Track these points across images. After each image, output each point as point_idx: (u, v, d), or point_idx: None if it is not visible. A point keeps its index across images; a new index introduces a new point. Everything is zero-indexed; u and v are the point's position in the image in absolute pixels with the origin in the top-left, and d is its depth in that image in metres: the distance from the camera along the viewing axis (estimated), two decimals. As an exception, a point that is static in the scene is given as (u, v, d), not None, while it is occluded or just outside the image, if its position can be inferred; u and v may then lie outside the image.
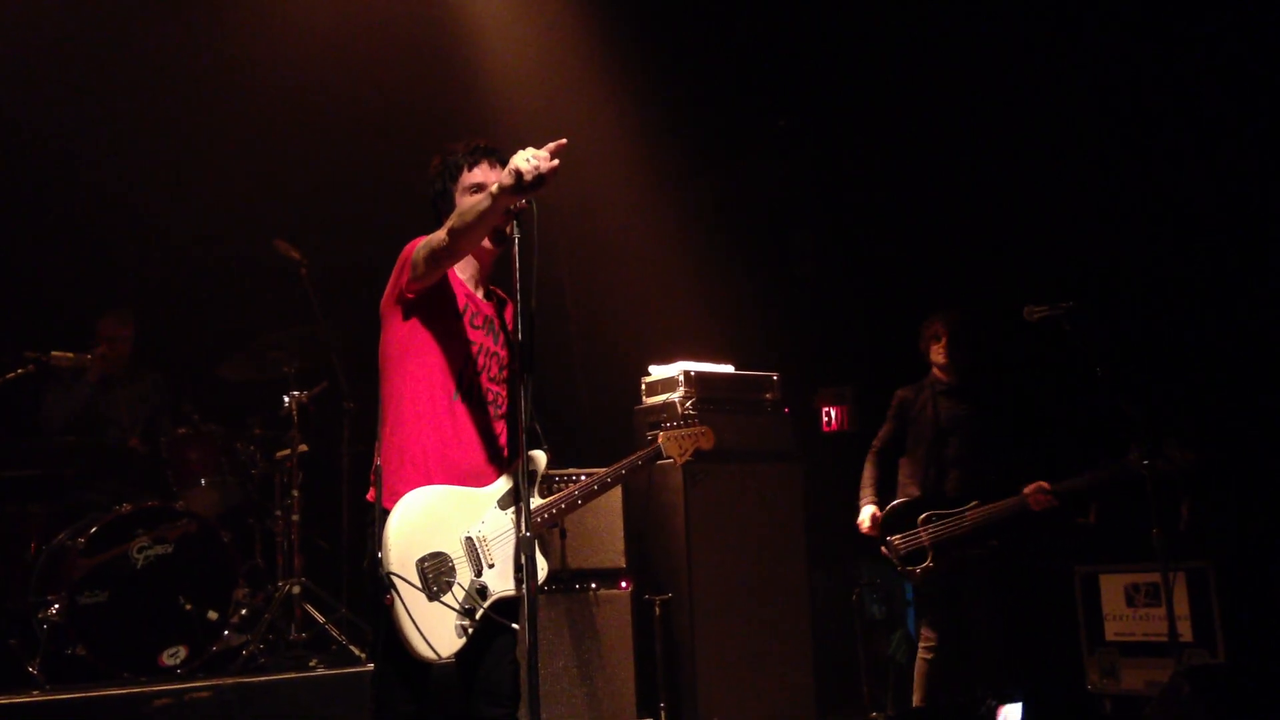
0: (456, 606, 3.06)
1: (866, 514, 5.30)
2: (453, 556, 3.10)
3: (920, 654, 5.26)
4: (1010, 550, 5.15)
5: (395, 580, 2.98)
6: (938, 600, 5.23)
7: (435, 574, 3.05)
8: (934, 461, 5.29)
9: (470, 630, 3.06)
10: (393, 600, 2.97)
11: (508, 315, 3.37)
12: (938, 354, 5.40)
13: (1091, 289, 5.71)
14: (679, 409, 5.64)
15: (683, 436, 3.82)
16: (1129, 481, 4.70)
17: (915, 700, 5.23)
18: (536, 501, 3.28)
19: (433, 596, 3.03)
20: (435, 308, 3.21)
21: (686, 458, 3.82)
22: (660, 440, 3.79)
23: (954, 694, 5.13)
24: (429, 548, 3.07)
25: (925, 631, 5.27)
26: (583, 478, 3.37)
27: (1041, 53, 6.38)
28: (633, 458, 3.65)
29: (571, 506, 3.42)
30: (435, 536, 3.10)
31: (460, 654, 3.16)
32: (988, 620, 5.13)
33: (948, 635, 5.17)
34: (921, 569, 5.12)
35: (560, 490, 3.46)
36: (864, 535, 5.33)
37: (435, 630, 3.01)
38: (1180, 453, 4.65)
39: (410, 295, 3.18)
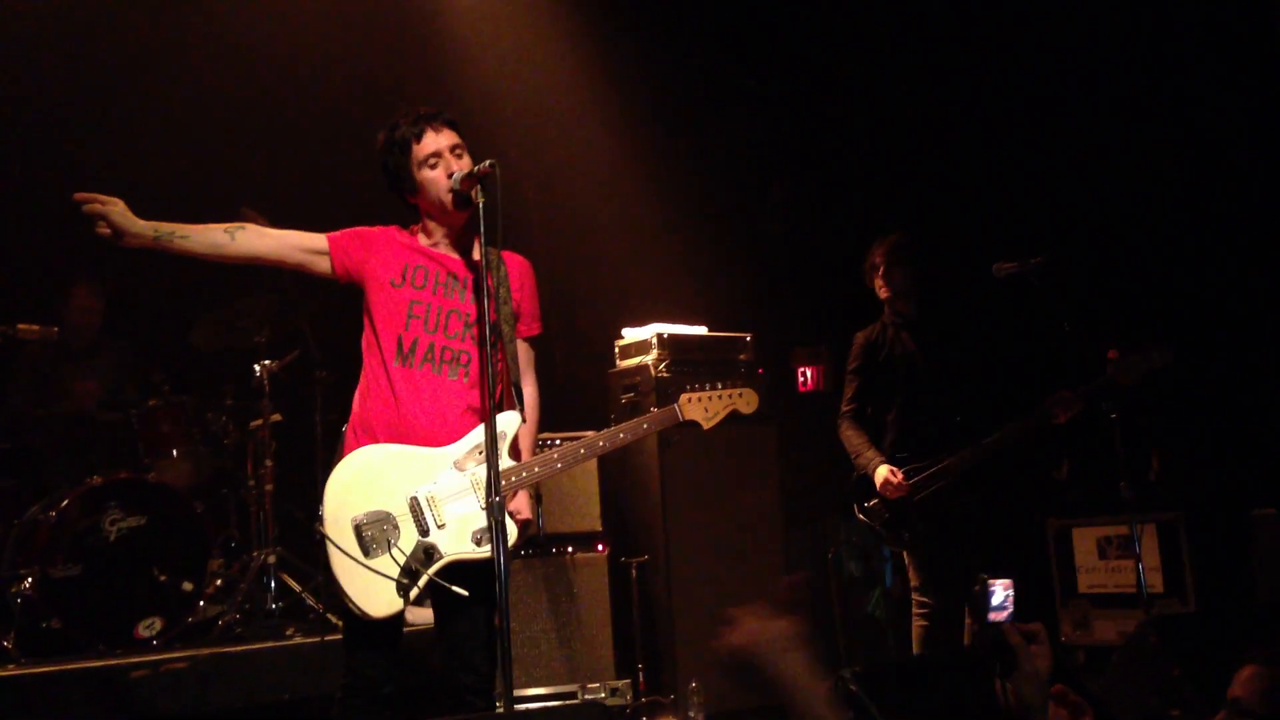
0: (395, 566, 3.01)
1: (882, 474, 4.73)
2: (396, 515, 3.06)
3: (915, 620, 4.89)
4: (986, 505, 4.84)
5: (328, 540, 2.98)
6: (925, 563, 4.85)
7: (373, 533, 3.02)
8: (911, 405, 4.86)
9: (411, 591, 3.01)
10: (329, 560, 2.96)
11: (509, 271, 3.30)
12: (881, 288, 4.99)
13: (1063, 245, 5.69)
14: (652, 372, 5.62)
15: (711, 398, 3.35)
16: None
17: None
18: (506, 464, 3.17)
19: (369, 556, 3.00)
20: (367, 278, 3.26)
21: (715, 422, 3.35)
22: (681, 402, 3.34)
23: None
24: (367, 506, 3.04)
25: (917, 596, 4.90)
26: (559, 442, 3.26)
27: (1016, 9, 6.34)
28: (635, 421, 3.32)
29: (550, 472, 3.26)
30: (375, 495, 3.06)
31: (437, 618, 3.16)
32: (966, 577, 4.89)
33: (940, 596, 4.77)
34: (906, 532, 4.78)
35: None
36: (879, 496, 4.78)
37: (369, 590, 2.98)
38: (1159, 353, 4.35)
39: (339, 277, 3.30)
